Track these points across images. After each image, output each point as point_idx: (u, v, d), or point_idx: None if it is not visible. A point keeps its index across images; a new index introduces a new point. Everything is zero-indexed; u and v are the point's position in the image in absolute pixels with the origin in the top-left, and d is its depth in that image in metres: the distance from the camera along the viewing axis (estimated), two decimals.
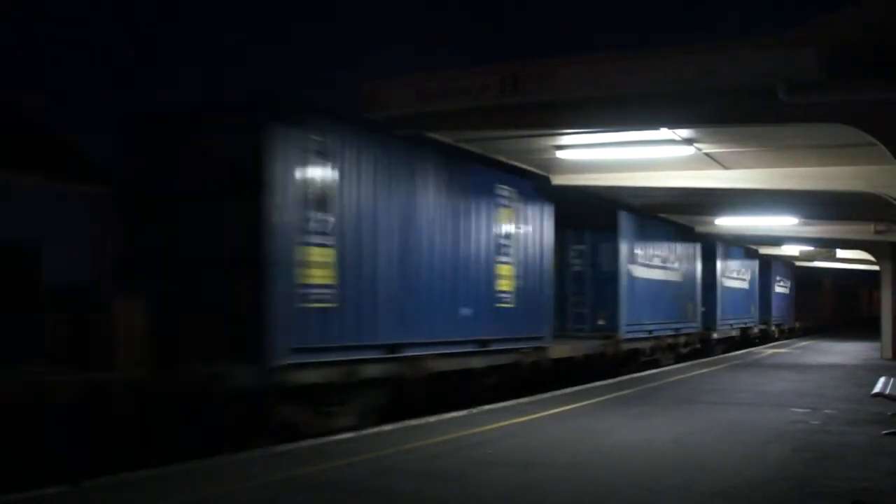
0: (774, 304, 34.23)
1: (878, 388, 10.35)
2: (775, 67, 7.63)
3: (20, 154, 15.29)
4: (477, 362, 12.62)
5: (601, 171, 13.99)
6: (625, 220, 17.75)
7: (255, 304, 8.91)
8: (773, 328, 33.99)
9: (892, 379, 11.06)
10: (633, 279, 18.01)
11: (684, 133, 10.58)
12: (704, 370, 19.06)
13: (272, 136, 9.05)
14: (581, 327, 17.15)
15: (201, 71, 68.74)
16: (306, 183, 9.46)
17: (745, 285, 29.56)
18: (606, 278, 17.14)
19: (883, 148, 8.30)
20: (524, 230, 13.88)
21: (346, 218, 10.01)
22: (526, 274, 13.82)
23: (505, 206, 13.29)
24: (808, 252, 31.03)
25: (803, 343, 33.30)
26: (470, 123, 9.99)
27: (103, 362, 8.39)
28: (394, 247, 10.86)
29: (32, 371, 8.33)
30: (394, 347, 10.79)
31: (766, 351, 27.73)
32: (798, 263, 36.74)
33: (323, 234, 9.64)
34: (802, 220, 19.14)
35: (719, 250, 25.50)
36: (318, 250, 9.56)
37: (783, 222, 19.95)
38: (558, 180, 14.36)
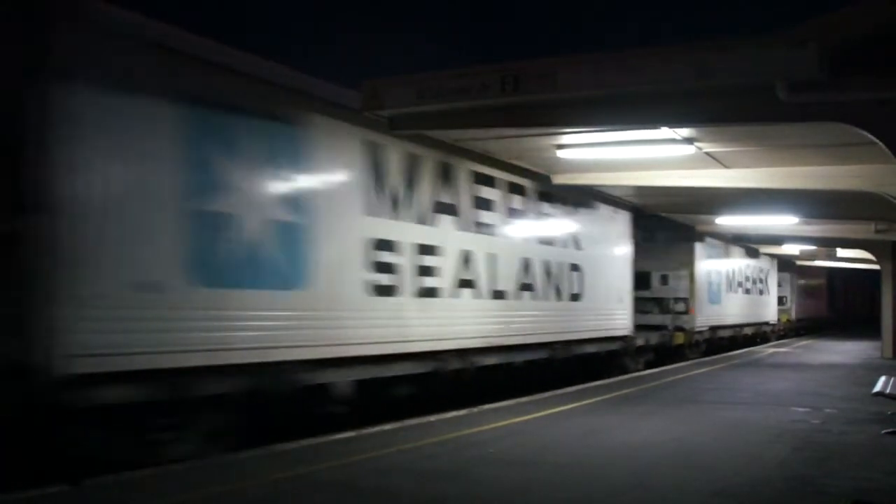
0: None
1: (878, 388, 10.35)
2: (775, 66, 7.62)
3: None
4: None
5: (602, 171, 13.99)
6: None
7: None
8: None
9: (892, 378, 11.06)
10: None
11: (685, 132, 10.58)
12: (704, 369, 19.06)
13: None
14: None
15: None
16: None
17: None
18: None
19: (883, 147, 8.29)
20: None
21: None
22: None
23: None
24: (809, 251, 31.02)
25: (804, 342, 33.29)
26: (470, 123, 9.99)
27: None
28: None
29: None
30: None
31: (766, 350, 27.73)
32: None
33: None
34: (803, 219, 19.13)
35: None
36: None
37: (783, 221, 19.94)
38: (559, 179, 14.38)
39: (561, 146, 11.73)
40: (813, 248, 29.55)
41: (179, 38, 8.13)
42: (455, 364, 11.89)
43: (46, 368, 6.69)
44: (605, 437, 9.40)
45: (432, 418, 10.50)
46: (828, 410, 11.71)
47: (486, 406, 11.68)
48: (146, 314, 7.53)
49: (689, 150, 11.48)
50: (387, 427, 9.76)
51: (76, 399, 6.91)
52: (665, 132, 10.45)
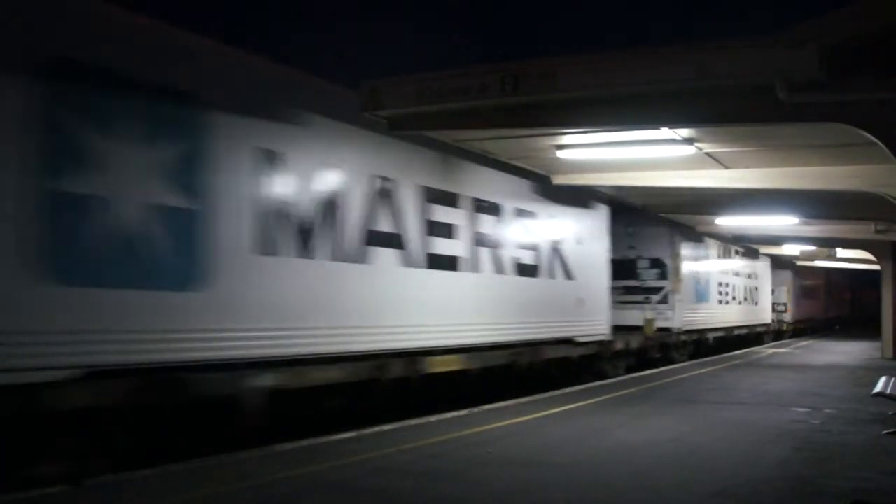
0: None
1: (878, 388, 10.35)
2: (775, 66, 7.61)
3: None
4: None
5: (602, 171, 13.99)
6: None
7: None
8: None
9: (892, 378, 11.06)
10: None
11: (685, 132, 10.57)
12: (704, 370, 19.08)
13: None
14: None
15: None
16: None
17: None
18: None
19: (883, 147, 8.29)
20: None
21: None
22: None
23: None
24: (809, 252, 31.02)
25: (804, 343, 33.31)
26: (470, 123, 9.98)
27: None
28: None
29: None
30: None
31: (766, 350, 27.76)
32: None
33: None
34: (802, 219, 19.14)
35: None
36: None
37: (783, 221, 19.95)
38: (559, 180, 14.38)
39: (561, 146, 11.72)
40: (813, 248, 29.56)
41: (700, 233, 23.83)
42: (725, 334, 27.13)
43: (678, 329, 21.75)
44: (605, 437, 9.41)
45: (433, 418, 10.51)
46: (828, 411, 11.72)
47: (487, 406, 11.71)
48: (684, 310, 22.08)
49: (689, 150, 11.48)
50: (386, 427, 9.77)
51: (680, 337, 22.26)
52: (665, 132, 10.44)
